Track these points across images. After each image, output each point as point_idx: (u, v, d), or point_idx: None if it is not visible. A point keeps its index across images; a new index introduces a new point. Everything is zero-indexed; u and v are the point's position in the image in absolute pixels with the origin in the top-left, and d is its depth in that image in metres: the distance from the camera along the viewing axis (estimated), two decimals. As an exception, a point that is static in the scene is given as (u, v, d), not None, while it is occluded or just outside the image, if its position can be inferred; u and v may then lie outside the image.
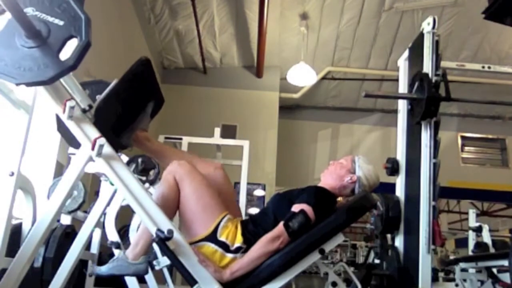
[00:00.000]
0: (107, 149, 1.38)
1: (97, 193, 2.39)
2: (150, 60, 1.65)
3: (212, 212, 1.61)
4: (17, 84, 1.22)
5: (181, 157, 1.75)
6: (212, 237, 1.58)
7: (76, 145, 1.46)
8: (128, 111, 1.70)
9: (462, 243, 8.10)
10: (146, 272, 1.58)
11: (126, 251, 1.59)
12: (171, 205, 1.61)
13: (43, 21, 1.25)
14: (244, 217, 1.85)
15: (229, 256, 1.57)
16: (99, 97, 1.49)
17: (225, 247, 1.58)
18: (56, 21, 1.25)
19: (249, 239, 1.59)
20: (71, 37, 1.25)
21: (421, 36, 2.38)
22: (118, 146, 1.65)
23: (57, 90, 1.34)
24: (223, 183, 1.80)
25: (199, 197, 1.62)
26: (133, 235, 2.56)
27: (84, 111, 1.40)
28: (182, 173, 1.63)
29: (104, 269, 1.55)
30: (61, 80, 1.34)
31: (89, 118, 1.39)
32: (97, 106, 1.45)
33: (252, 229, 1.63)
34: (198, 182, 1.64)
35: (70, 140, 1.59)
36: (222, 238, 1.58)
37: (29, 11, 1.26)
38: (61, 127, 1.50)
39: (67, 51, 1.25)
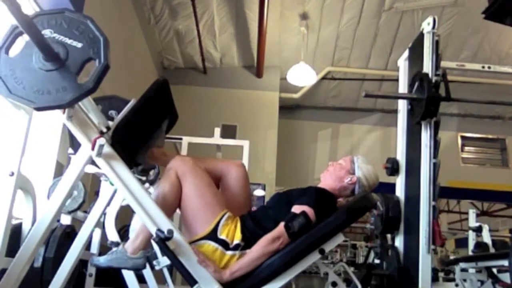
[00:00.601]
0: (107, 149, 1.38)
1: (97, 193, 2.38)
2: (167, 80, 1.65)
3: (213, 211, 1.61)
4: (36, 109, 1.20)
5: (201, 163, 1.72)
6: (212, 236, 1.58)
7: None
8: (145, 130, 1.71)
9: (462, 243, 8.11)
10: (144, 267, 1.58)
11: (125, 244, 1.59)
12: (172, 202, 1.60)
13: (62, 43, 1.24)
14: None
15: (228, 253, 1.57)
16: (111, 113, 1.49)
17: (225, 245, 1.57)
18: (75, 43, 1.24)
19: (248, 238, 1.59)
20: (89, 59, 1.24)
21: (421, 36, 2.37)
22: (134, 165, 1.66)
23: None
24: (242, 183, 1.78)
25: (201, 195, 1.62)
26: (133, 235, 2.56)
27: (101, 133, 1.40)
28: (185, 170, 1.62)
29: (102, 260, 1.55)
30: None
31: (107, 140, 1.39)
32: (115, 128, 1.45)
33: (251, 227, 1.63)
34: (200, 179, 1.63)
35: None
36: (222, 236, 1.58)
37: (47, 33, 1.24)
38: (76, 146, 1.50)
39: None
